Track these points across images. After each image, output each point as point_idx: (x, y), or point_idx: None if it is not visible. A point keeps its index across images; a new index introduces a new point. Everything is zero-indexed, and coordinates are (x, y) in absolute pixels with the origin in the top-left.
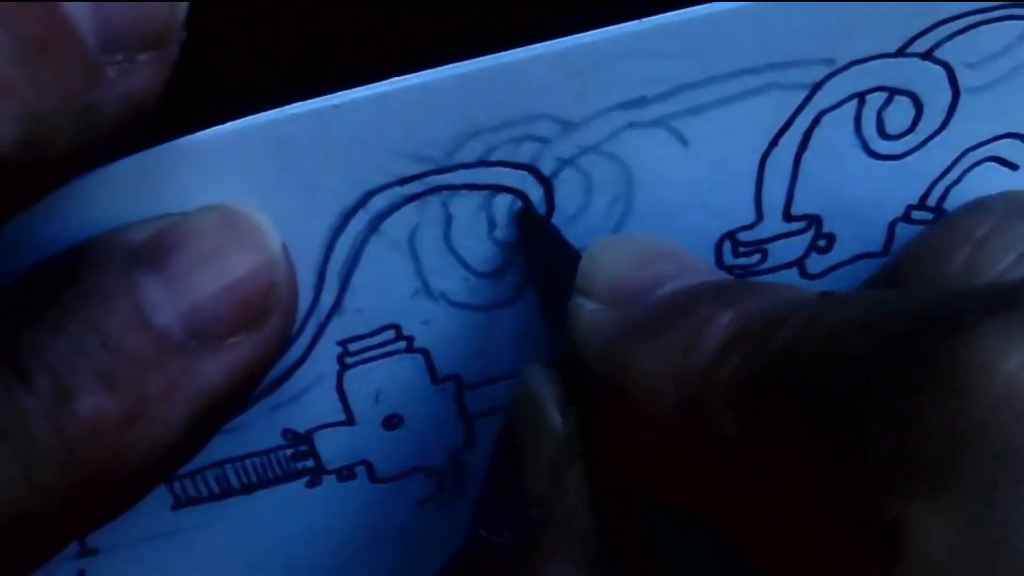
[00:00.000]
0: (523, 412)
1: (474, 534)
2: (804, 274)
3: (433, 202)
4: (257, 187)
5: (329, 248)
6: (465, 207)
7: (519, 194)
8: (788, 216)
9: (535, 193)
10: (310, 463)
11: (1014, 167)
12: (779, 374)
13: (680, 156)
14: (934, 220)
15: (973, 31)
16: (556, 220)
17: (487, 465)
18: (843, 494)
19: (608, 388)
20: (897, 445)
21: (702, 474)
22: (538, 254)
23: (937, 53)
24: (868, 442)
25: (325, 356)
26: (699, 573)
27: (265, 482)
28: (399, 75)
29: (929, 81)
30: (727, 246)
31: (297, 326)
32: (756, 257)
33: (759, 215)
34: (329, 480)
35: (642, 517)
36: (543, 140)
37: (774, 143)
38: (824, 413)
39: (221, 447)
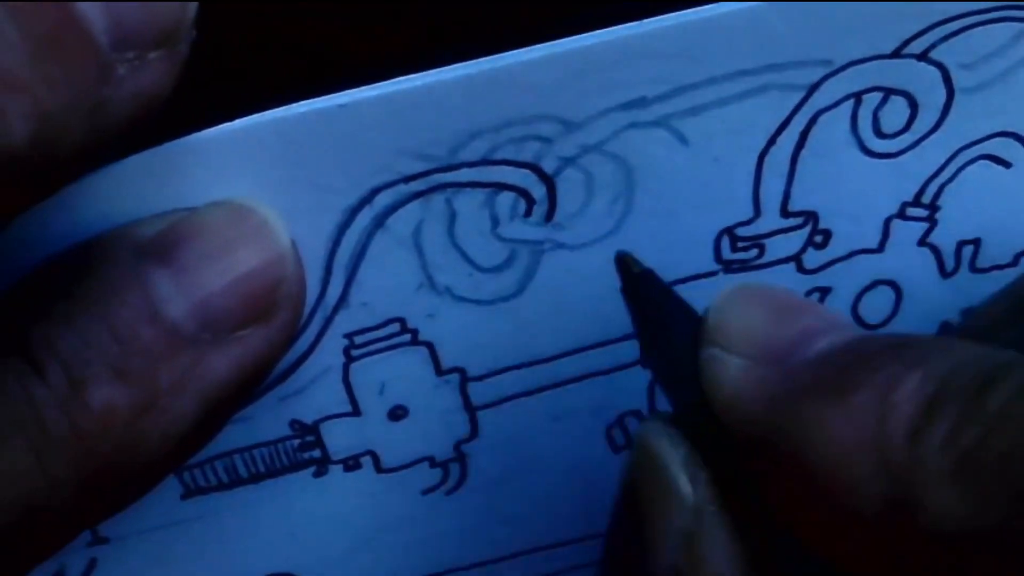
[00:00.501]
0: (646, 473)
1: None
2: (801, 269)
3: (437, 199)
4: (265, 183)
5: (335, 243)
6: (469, 204)
7: (522, 192)
8: (785, 212)
9: (537, 191)
10: (317, 453)
11: (1008, 165)
12: (1004, 442)
13: (680, 155)
14: (928, 217)
15: (967, 32)
16: (558, 217)
17: (607, 529)
18: None
19: (779, 452)
20: None
21: (907, 555)
22: (644, 306)
23: (932, 54)
24: None
25: (331, 348)
26: None
27: (273, 472)
28: (404, 75)
29: (924, 81)
30: (725, 241)
31: (304, 319)
32: (754, 252)
33: (757, 211)
34: (335, 470)
35: None
36: (545, 139)
37: (772, 142)
38: None
39: (230, 437)
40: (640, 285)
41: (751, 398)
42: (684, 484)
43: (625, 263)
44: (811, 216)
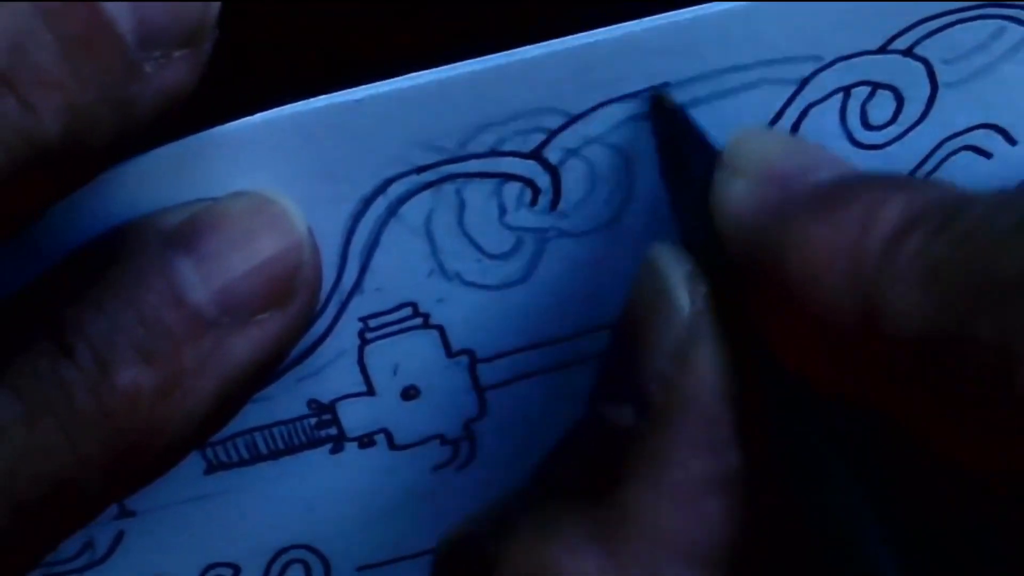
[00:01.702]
0: (647, 290)
1: (591, 410)
2: None
3: (447, 189)
4: (284, 174)
5: (351, 231)
6: (477, 194)
7: (528, 182)
8: None
9: (542, 180)
10: (333, 431)
11: (988, 155)
12: (970, 256)
13: None
14: None
15: (950, 29)
16: (563, 206)
17: (607, 343)
18: None
19: (764, 268)
20: None
21: (871, 357)
22: (668, 137)
23: (917, 50)
24: None
25: (347, 332)
26: (826, 457)
27: (291, 449)
28: (416, 72)
29: (909, 76)
30: None
31: (321, 304)
32: None
33: None
34: (351, 447)
35: (772, 401)
36: (550, 131)
37: None
38: (1019, 298)
39: (250, 416)
40: (671, 120)
41: (749, 213)
42: (683, 296)
43: (659, 99)
44: None
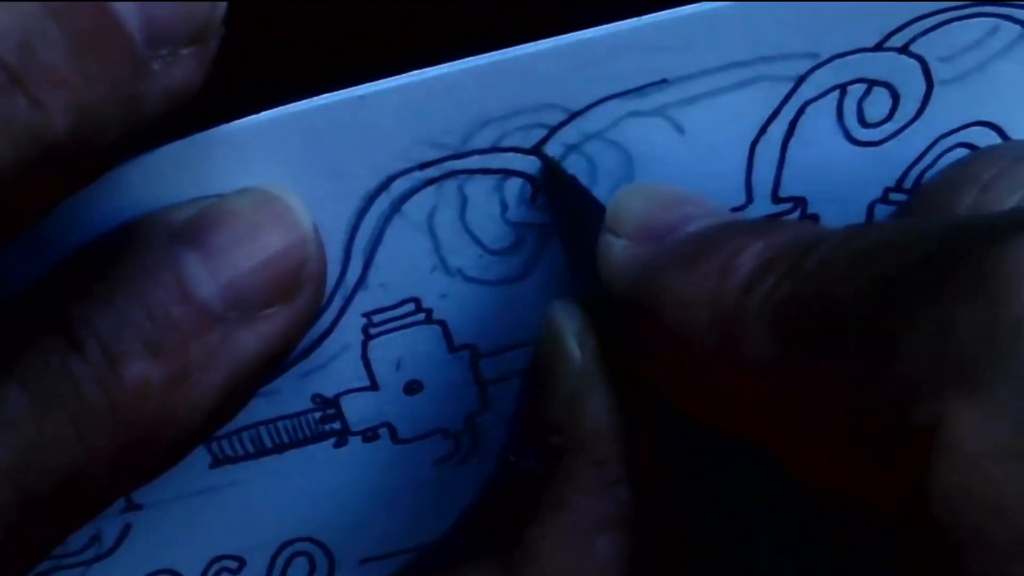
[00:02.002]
0: (546, 345)
1: (503, 460)
2: None
3: (450, 185)
4: (289, 171)
5: (354, 228)
6: (479, 190)
7: (529, 178)
8: (776, 198)
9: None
10: (337, 425)
11: None
12: (812, 293)
13: (676, 143)
14: (908, 202)
15: (945, 27)
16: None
17: (516, 397)
18: (878, 405)
19: (640, 318)
20: (933, 352)
21: (737, 392)
22: (562, 203)
23: (912, 47)
24: (903, 352)
25: (351, 327)
26: (719, 490)
27: (296, 442)
28: (418, 68)
29: (905, 73)
30: None
31: (325, 299)
32: None
33: (749, 197)
34: (354, 441)
35: (662, 442)
36: (551, 128)
37: (763, 131)
38: (857, 328)
39: (256, 410)
40: (562, 185)
41: (628, 271)
42: (574, 349)
43: (550, 165)
44: (800, 201)
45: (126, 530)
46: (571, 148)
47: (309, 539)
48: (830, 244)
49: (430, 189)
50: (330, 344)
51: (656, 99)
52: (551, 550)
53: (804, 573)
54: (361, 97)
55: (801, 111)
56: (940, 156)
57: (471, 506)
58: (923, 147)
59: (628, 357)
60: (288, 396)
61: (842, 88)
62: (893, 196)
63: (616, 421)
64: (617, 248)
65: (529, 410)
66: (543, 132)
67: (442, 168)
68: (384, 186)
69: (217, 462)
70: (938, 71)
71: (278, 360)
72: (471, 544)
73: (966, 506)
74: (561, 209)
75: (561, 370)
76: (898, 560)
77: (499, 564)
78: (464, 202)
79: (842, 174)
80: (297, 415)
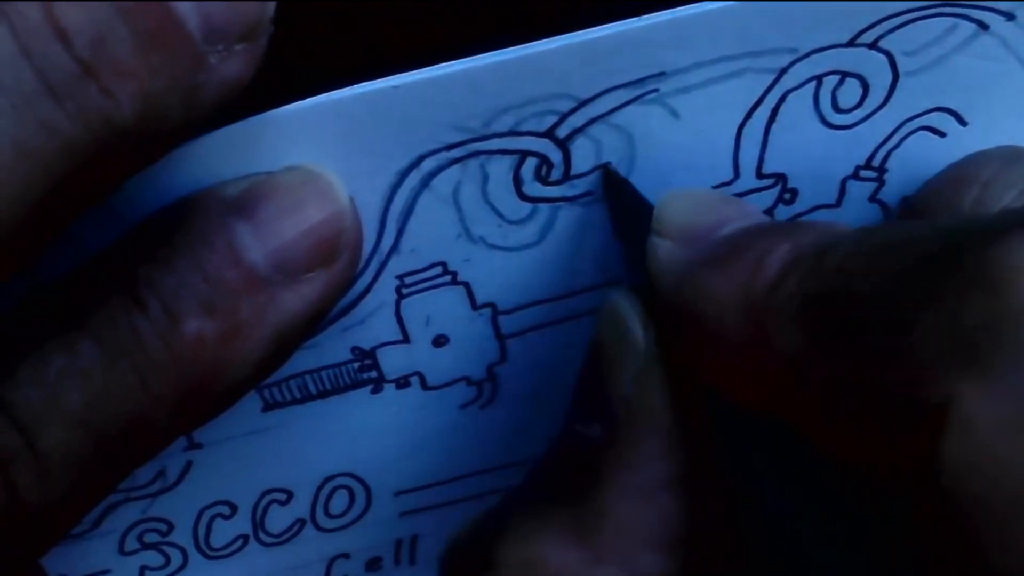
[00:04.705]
0: (610, 327)
1: (568, 428)
2: None
3: (473, 164)
4: (330, 151)
5: (389, 200)
6: (499, 168)
7: (542, 157)
8: (759, 175)
9: (555, 156)
10: (374, 374)
11: (943, 135)
12: (832, 290)
13: (672, 127)
14: (877, 178)
15: (910, 25)
16: (572, 179)
17: (578, 371)
18: (894, 387)
19: (682, 312)
20: (944, 336)
21: (769, 380)
22: (620, 204)
23: (881, 43)
24: (917, 338)
25: (386, 287)
26: (758, 462)
27: (337, 389)
28: (446, 62)
29: (874, 66)
30: None
31: (362, 264)
32: None
33: (736, 174)
34: (389, 388)
35: (711, 416)
36: (562, 114)
37: (748, 116)
38: (873, 320)
39: (301, 361)
40: (619, 189)
41: (671, 271)
42: (639, 332)
43: (608, 173)
44: (781, 178)
45: (188, 466)
46: (579, 131)
47: (349, 474)
48: (847, 245)
49: (455, 167)
50: (367, 302)
51: (655, 89)
52: (622, 507)
53: (832, 523)
54: (395, 87)
55: (783, 99)
56: (905, 138)
57: (537, 467)
58: (889, 130)
59: (674, 344)
60: (330, 349)
61: (818, 79)
62: (863, 173)
63: (675, 396)
64: (662, 249)
65: (593, 387)
66: (555, 118)
67: (466, 149)
68: (415, 164)
69: (268, 407)
70: (903, 64)
71: (319, 318)
72: (542, 496)
73: (973, 475)
74: (619, 212)
75: (628, 350)
76: (914, 528)
77: (570, 516)
78: (486, 178)
79: (818, 154)
80: (338, 365)
